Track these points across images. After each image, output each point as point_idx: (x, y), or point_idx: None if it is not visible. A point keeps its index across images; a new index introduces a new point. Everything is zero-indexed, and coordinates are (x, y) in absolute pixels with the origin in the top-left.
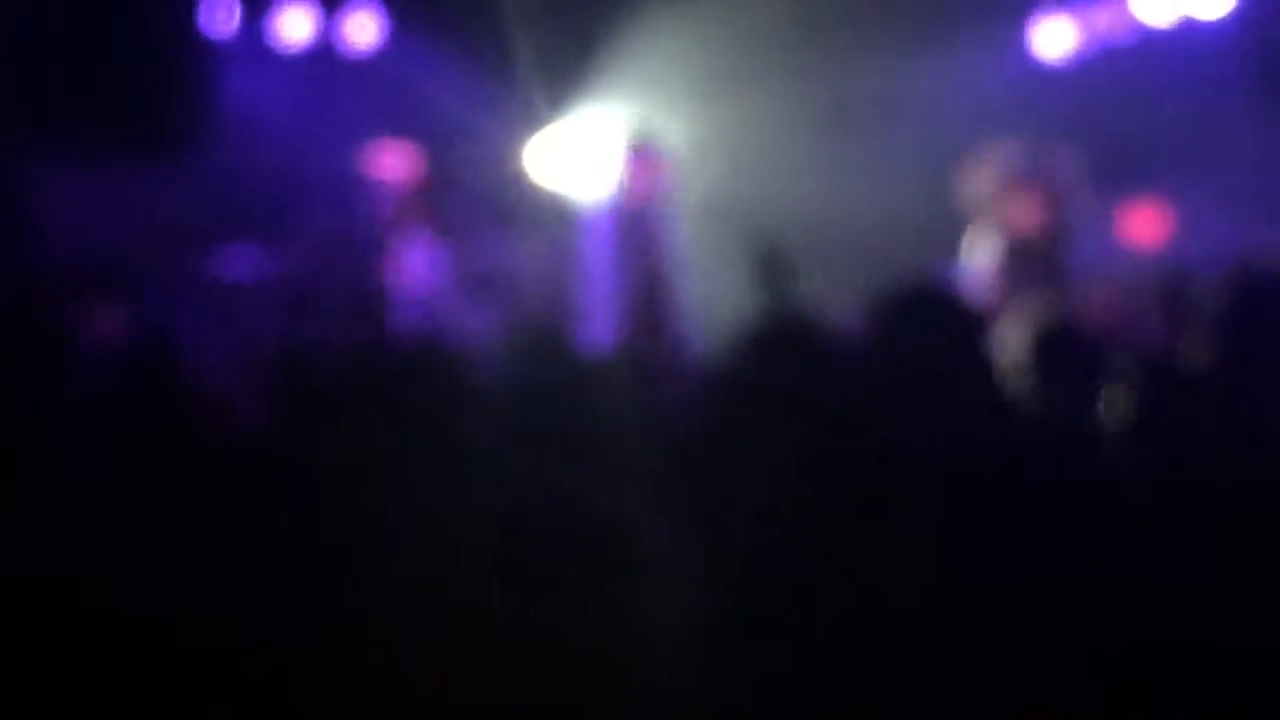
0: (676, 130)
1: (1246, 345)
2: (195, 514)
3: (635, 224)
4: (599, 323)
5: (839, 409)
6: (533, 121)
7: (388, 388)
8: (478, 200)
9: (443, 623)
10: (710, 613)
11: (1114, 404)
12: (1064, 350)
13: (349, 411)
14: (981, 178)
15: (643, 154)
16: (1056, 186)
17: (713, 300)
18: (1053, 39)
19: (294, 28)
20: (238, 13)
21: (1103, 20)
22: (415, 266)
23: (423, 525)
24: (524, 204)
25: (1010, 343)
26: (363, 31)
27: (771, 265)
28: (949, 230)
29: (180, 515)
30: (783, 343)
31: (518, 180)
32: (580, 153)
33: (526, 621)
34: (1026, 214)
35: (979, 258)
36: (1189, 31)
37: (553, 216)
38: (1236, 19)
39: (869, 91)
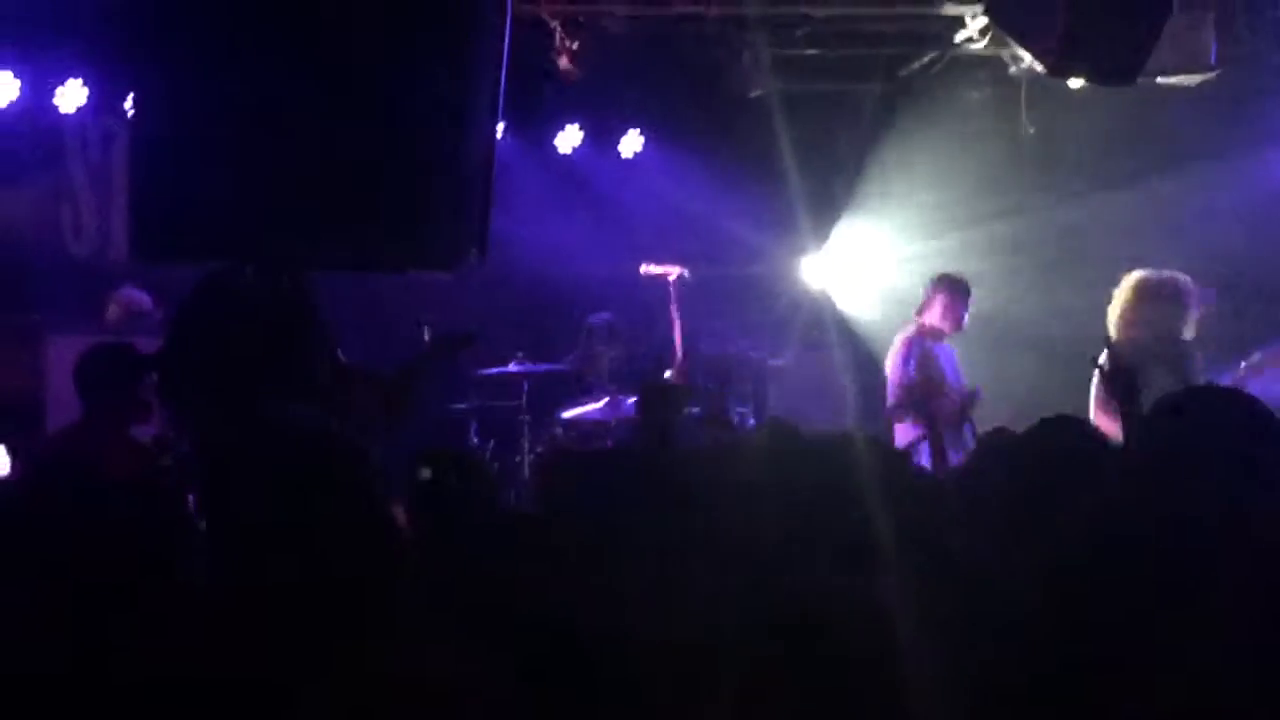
0: (933, 249)
1: None
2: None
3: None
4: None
5: (1107, 522)
6: (805, 239)
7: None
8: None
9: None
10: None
11: None
12: None
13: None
14: None
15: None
16: None
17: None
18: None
19: (565, 142)
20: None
21: None
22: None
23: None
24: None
25: None
26: (631, 148)
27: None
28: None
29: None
30: (1059, 456)
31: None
32: (850, 268)
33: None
34: None
35: None
36: None
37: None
38: None
39: (1113, 212)
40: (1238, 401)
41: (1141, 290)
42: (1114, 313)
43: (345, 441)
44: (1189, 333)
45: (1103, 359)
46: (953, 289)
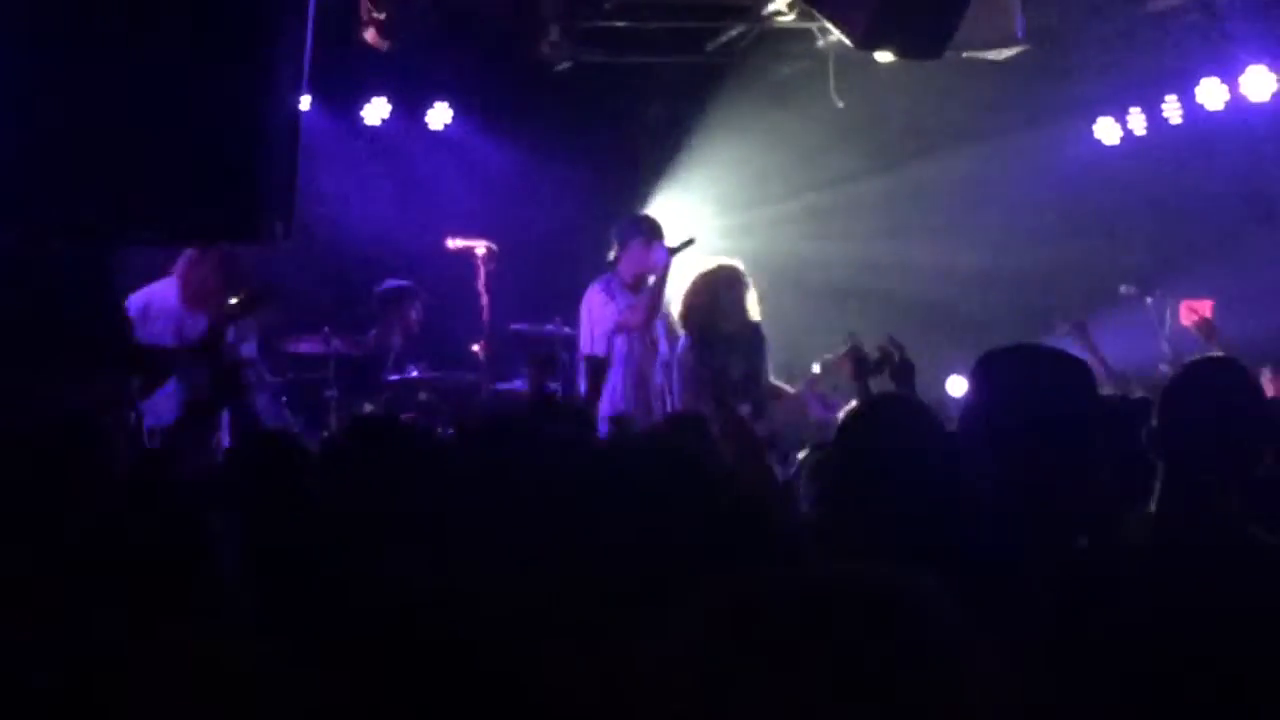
0: (744, 222)
1: None
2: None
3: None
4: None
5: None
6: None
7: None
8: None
9: None
10: None
11: None
12: None
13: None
14: None
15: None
16: None
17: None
18: (1112, 128)
19: (373, 113)
20: (309, 97)
21: (1159, 109)
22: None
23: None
24: None
25: None
26: (439, 120)
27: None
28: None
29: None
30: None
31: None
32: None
33: None
34: None
35: None
36: (1236, 112)
37: None
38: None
39: (924, 186)
40: (1060, 364)
41: (714, 281)
42: (686, 304)
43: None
44: (755, 315)
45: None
46: None
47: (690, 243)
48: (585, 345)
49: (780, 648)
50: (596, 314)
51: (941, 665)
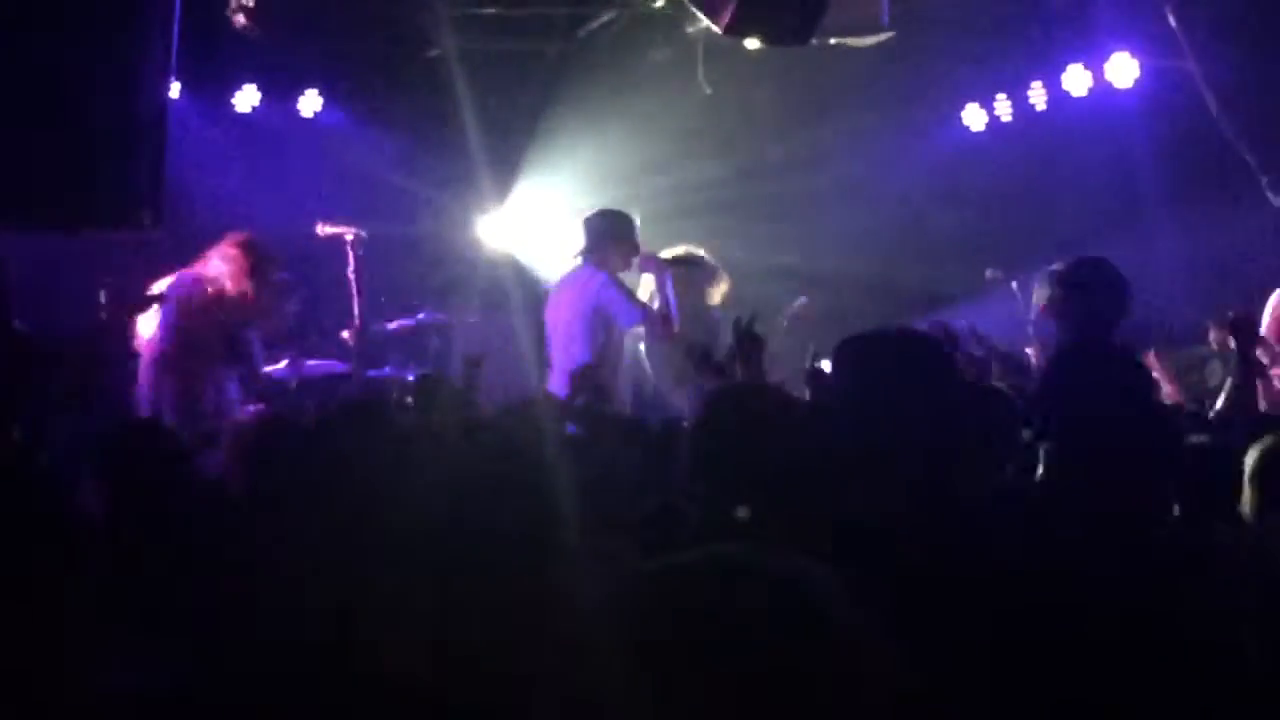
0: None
1: None
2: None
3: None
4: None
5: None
6: (484, 198)
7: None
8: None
9: None
10: None
11: None
12: None
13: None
14: None
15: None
16: None
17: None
18: (978, 114)
19: (243, 101)
20: (178, 84)
21: (1024, 95)
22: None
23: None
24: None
25: None
26: (310, 107)
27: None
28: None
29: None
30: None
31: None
32: (529, 227)
33: None
34: None
35: None
36: (1101, 99)
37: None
38: (1143, 86)
39: (793, 171)
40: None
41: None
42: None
43: None
44: (715, 300)
45: None
46: None
47: (692, 262)
48: (590, 336)
49: (681, 639)
50: (623, 304)
51: (840, 656)
